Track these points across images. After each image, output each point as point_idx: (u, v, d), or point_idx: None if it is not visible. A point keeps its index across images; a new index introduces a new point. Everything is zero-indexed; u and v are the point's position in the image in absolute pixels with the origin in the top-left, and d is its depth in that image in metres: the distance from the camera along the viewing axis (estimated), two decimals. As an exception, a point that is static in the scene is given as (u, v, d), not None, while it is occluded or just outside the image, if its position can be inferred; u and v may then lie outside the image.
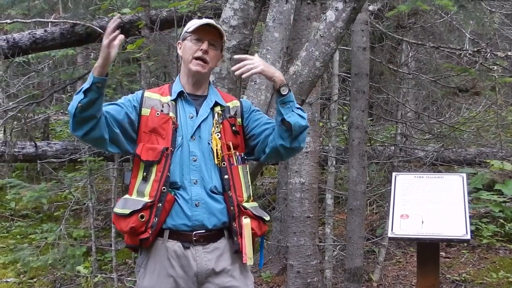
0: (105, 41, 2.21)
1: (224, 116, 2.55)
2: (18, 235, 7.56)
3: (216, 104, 2.56)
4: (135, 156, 2.45)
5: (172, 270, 2.40)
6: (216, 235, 2.46)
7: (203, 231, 2.42)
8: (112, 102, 2.49)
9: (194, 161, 2.44)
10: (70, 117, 2.30)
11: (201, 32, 2.50)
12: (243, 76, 2.45)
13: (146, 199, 2.37)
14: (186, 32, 2.56)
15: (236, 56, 2.52)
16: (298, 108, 2.48)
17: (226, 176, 2.46)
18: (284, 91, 2.44)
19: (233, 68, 2.50)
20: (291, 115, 2.43)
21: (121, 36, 2.22)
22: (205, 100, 2.56)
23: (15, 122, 7.65)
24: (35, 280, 6.31)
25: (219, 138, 2.48)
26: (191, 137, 2.46)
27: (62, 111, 9.95)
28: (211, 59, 2.52)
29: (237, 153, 2.53)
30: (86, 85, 2.23)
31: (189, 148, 2.45)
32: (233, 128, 2.55)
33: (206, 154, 2.46)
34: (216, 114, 2.53)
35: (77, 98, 2.24)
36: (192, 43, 2.51)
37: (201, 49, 2.48)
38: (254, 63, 2.43)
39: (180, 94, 2.54)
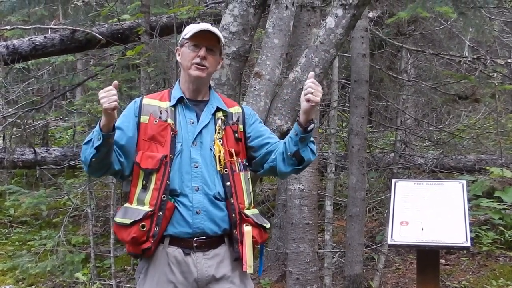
0: (106, 105, 2.22)
1: (227, 122, 2.53)
2: (17, 242, 7.55)
3: (218, 109, 2.54)
4: (135, 163, 2.43)
5: (173, 276, 2.39)
6: (216, 241, 2.44)
7: (204, 237, 2.40)
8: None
9: (196, 167, 2.42)
10: (84, 165, 2.39)
11: (198, 38, 2.48)
12: (308, 103, 2.34)
13: (146, 208, 2.36)
14: (183, 38, 2.54)
15: (312, 81, 2.34)
16: (312, 142, 2.48)
17: (228, 183, 2.45)
18: (310, 127, 2.40)
19: (306, 92, 2.33)
20: (305, 150, 2.45)
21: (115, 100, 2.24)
22: (206, 105, 2.54)
23: (15, 129, 7.65)
24: (33, 287, 6.29)
25: (222, 145, 2.47)
26: (193, 143, 2.45)
27: (61, 117, 9.96)
28: (210, 64, 2.51)
29: (239, 160, 2.51)
30: (97, 142, 2.26)
31: (190, 154, 2.43)
32: (236, 135, 2.53)
33: (208, 161, 2.44)
34: (219, 120, 2.51)
35: (90, 152, 2.30)
36: (190, 49, 2.49)
37: (199, 56, 2.47)
38: (320, 94, 2.36)
39: (180, 100, 2.52)
